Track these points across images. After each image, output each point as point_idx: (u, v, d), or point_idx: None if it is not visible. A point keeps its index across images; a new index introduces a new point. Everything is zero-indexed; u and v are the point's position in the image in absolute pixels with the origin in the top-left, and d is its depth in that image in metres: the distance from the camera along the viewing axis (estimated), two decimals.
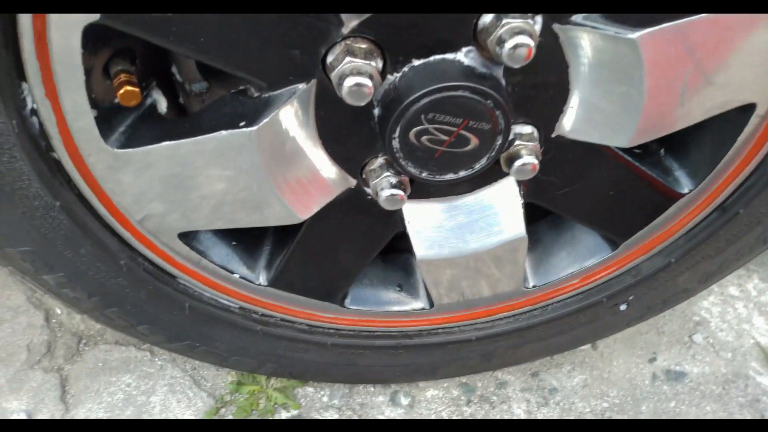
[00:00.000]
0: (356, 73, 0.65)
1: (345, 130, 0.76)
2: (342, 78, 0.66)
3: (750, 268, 1.63)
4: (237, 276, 0.93)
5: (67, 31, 0.59)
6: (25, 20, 0.60)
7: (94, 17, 0.58)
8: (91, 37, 0.61)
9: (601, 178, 0.87)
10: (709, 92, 0.75)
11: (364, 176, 0.82)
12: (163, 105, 0.76)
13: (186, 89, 0.79)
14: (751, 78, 0.75)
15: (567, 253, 1.03)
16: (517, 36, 0.65)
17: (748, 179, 0.90)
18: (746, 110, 0.80)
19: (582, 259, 1.02)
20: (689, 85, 0.73)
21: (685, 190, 0.90)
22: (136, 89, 0.65)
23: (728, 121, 0.83)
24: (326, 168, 0.79)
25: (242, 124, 0.68)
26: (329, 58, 0.68)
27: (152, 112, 0.75)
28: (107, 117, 0.69)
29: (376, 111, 0.74)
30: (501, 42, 0.66)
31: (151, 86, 0.75)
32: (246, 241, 0.93)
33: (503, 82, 0.73)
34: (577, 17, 0.68)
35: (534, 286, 1.02)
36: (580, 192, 0.89)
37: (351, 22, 0.65)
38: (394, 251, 1.03)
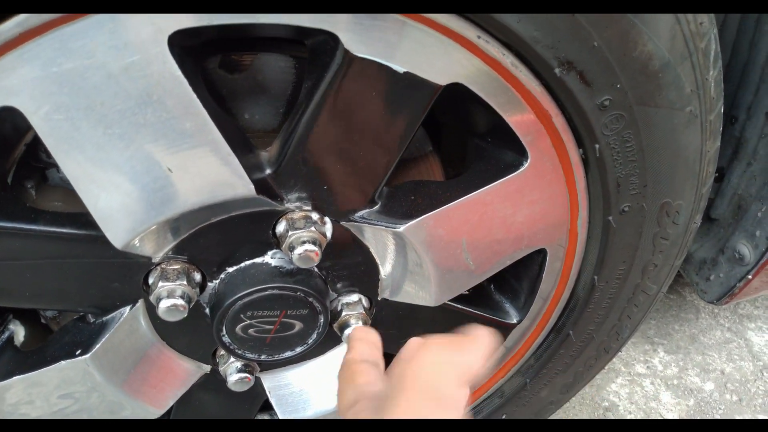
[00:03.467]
0: (169, 296, 0.76)
1: (186, 329, 0.86)
2: (158, 300, 0.76)
3: (655, 341, 1.72)
4: None
5: None
6: None
7: None
8: None
9: (434, 324, 0.97)
10: (492, 252, 0.86)
11: (216, 360, 0.91)
12: (20, 335, 0.85)
13: (42, 314, 0.89)
14: (528, 232, 0.86)
15: None
16: (304, 244, 0.76)
17: (568, 304, 1.00)
18: (541, 251, 0.92)
19: None
20: (470, 251, 0.84)
21: (515, 321, 1.00)
22: None
23: (532, 262, 0.94)
24: (176, 363, 0.88)
25: (78, 352, 0.78)
26: (150, 281, 0.78)
27: (9, 344, 0.84)
28: None
29: (207, 311, 0.84)
30: (292, 248, 0.77)
31: (8, 319, 0.85)
32: None
33: (314, 270, 0.84)
34: (357, 215, 0.79)
35: None
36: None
37: (159, 254, 0.76)
38: None
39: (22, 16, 0.55)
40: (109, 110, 0.61)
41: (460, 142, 1.00)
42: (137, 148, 0.63)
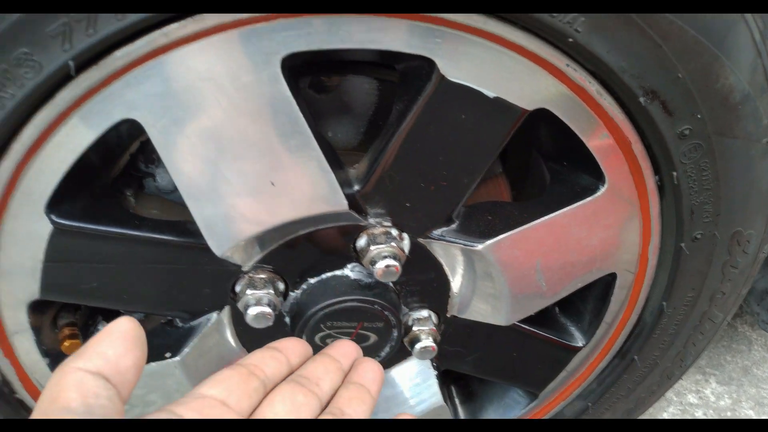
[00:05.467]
0: (257, 303, 0.79)
1: (265, 337, 0.89)
2: (246, 307, 0.79)
3: (707, 372, 1.71)
4: None
5: (14, 310, 0.74)
6: None
7: (34, 297, 0.74)
8: (37, 305, 0.77)
9: (500, 343, 0.99)
10: (564, 274, 0.88)
11: None
12: None
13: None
14: (600, 256, 0.88)
15: (496, 405, 1.13)
16: (385, 259, 0.79)
17: (634, 329, 1.01)
18: (610, 275, 0.93)
19: (509, 410, 1.11)
20: (543, 272, 0.86)
21: (580, 344, 1.01)
22: (78, 341, 0.79)
23: (602, 285, 0.96)
24: None
25: (168, 355, 0.82)
26: (237, 289, 0.82)
27: None
28: (58, 361, 0.83)
29: (287, 320, 0.87)
30: (373, 263, 0.80)
31: (98, 321, 0.90)
32: None
33: (390, 285, 0.87)
34: (434, 233, 0.82)
35: None
36: (486, 356, 1.00)
37: (249, 263, 0.80)
38: None
39: (154, 34, 0.60)
40: (221, 126, 0.65)
41: (526, 164, 1.03)
42: (245, 163, 0.67)
